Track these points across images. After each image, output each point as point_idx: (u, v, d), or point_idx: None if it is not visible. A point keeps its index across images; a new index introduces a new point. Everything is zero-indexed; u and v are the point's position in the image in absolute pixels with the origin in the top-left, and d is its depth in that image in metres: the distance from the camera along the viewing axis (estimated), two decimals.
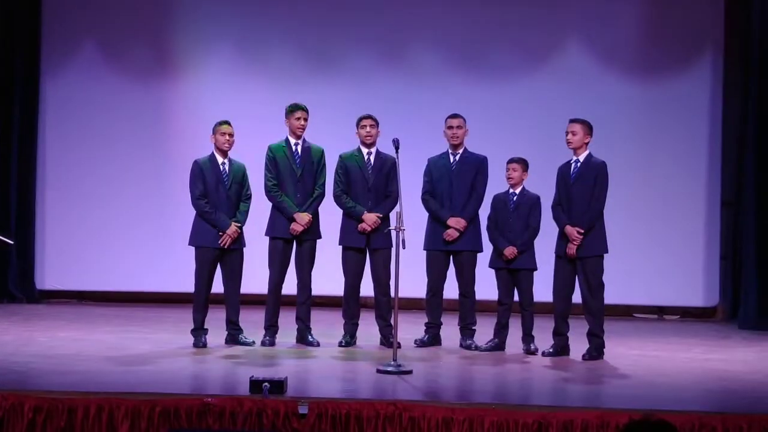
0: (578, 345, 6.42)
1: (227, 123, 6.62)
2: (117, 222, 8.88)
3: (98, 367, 5.67)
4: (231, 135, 6.59)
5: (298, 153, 6.70)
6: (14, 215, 8.77)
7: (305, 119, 6.70)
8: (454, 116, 6.83)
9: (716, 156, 8.80)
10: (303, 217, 6.60)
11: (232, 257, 6.58)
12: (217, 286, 6.66)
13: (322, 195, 6.72)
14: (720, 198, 8.81)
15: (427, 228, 6.83)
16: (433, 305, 6.81)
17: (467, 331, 6.74)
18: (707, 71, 8.79)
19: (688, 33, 8.80)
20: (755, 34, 8.33)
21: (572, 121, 6.49)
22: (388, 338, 6.50)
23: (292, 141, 6.73)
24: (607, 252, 6.41)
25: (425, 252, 6.81)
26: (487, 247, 6.76)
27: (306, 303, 6.69)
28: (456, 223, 6.69)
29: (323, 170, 6.75)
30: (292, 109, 6.71)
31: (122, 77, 8.92)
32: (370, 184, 6.73)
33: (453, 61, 8.87)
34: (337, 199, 6.78)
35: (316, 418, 4.65)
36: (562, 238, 6.42)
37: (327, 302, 7.60)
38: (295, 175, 6.67)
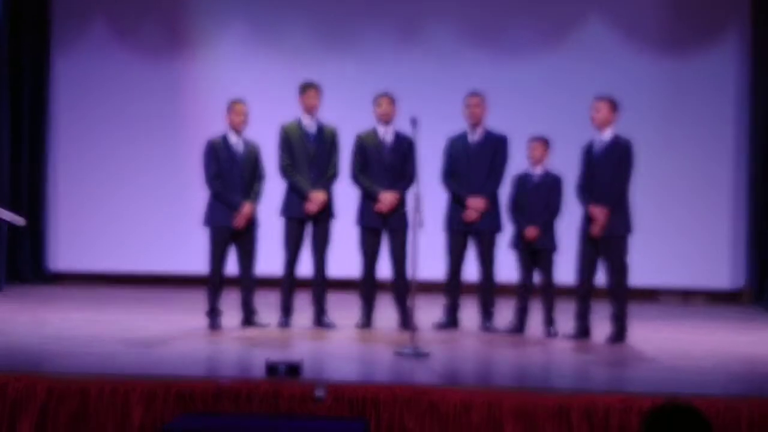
0: (601, 328, 6.33)
1: (241, 102, 6.56)
2: (130, 202, 8.84)
3: (112, 349, 5.65)
4: (245, 114, 6.53)
5: (311, 132, 6.63)
6: (26, 196, 8.74)
7: (318, 98, 6.62)
8: (474, 94, 6.73)
9: (743, 134, 8.63)
10: (318, 197, 6.52)
11: (246, 237, 6.51)
12: (232, 267, 6.59)
13: (335, 174, 6.66)
14: (747, 178, 8.64)
15: (446, 208, 6.74)
16: (452, 287, 6.73)
17: (487, 312, 6.66)
18: (734, 46, 8.61)
19: (713, 6, 8.62)
20: None
21: (597, 98, 6.38)
22: (405, 320, 6.44)
23: (306, 120, 6.66)
24: (631, 232, 6.30)
25: (444, 233, 6.72)
26: (508, 228, 6.66)
27: (322, 284, 6.64)
28: (476, 203, 6.58)
29: (337, 149, 6.68)
30: (306, 88, 6.65)
31: (134, 55, 8.87)
32: (387, 164, 6.63)
33: (471, 37, 8.73)
34: (355, 179, 6.70)
35: (333, 402, 4.59)
36: (586, 218, 6.30)
37: (343, 283, 7.50)
38: (309, 154, 6.59)
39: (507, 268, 6.70)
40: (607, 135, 6.33)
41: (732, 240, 8.67)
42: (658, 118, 8.60)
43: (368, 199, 6.63)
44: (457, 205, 6.66)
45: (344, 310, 6.85)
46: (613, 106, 6.34)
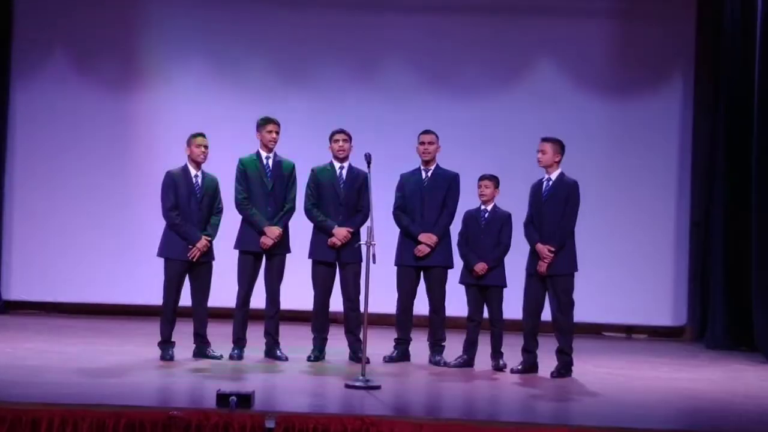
0: (547, 362, 6.44)
1: (202, 135, 6.59)
2: (85, 233, 8.81)
3: (64, 379, 5.62)
4: (206, 147, 6.56)
5: (269, 166, 6.69)
6: None
7: (277, 132, 6.70)
8: (427, 132, 6.86)
9: (686, 176, 8.90)
10: (273, 231, 6.58)
11: (201, 270, 6.54)
12: (186, 299, 6.61)
13: (292, 209, 6.71)
14: (689, 218, 8.90)
15: (398, 243, 6.83)
16: (402, 321, 6.81)
17: (437, 347, 6.74)
18: (678, 91, 8.91)
19: (659, 53, 8.92)
20: (726, 53, 8.40)
21: (543, 139, 6.53)
22: (357, 353, 6.48)
23: (264, 154, 6.72)
24: (577, 270, 6.45)
25: (396, 267, 6.81)
26: (458, 264, 6.78)
27: (275, 317, 6.66)
28: (427, 239, 6.70)
29: (294, 184, 6.74)
30: (264, 123, 6.70)
31: (93, 89, 8.90)
32: (341, 199, 6.72)
33: (425, 78, 8.92)
34: (308, 213, 6.76)
35: None
36: (533, 256, 6.44)
37: (296, 316, 7.55)
38: (266, 188, 6.65)
39: (457, 302, 6.78)
40: (554, 174, 6.48)
41: (674, 279, 8.89)
42: (605, 159, 8.83)
43: (321, 232, 6.70)
44: (408, 240, 6.75)
45: (297, 342, 6.87)
46: (559, 146, 6.48)
